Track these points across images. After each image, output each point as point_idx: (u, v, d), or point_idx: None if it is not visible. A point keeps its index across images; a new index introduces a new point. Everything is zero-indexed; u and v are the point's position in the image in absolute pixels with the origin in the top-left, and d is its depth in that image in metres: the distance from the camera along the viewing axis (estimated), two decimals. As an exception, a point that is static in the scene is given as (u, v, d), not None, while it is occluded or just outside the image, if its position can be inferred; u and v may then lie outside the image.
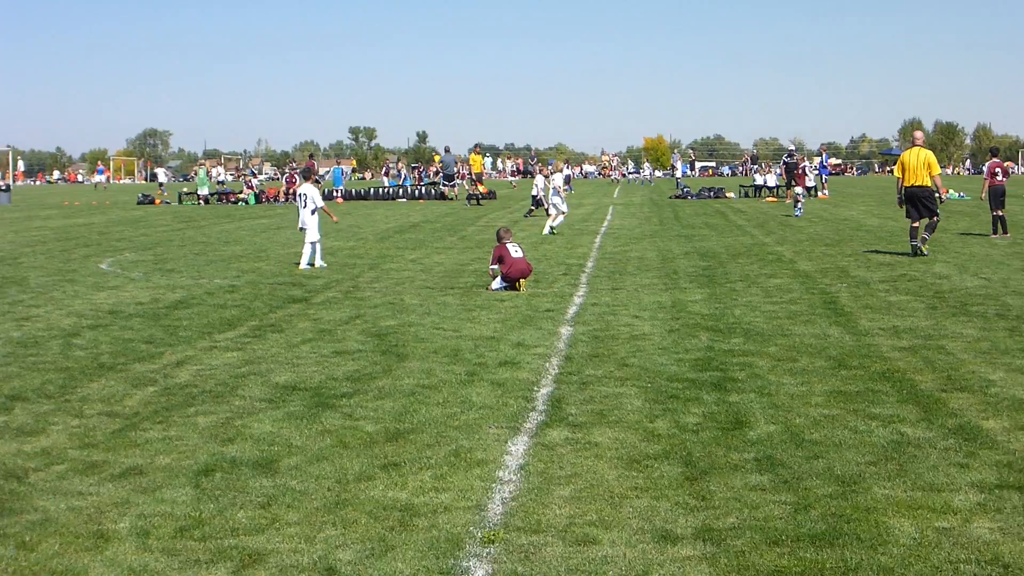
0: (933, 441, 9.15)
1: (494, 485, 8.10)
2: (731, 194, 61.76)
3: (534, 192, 42.85)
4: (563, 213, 34.57)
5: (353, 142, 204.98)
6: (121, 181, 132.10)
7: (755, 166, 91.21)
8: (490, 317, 16.11)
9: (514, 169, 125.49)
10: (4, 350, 13.90)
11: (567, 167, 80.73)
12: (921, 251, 24.65)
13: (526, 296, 18.36)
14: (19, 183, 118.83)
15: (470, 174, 57.56)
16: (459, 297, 18.45)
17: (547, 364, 12.59)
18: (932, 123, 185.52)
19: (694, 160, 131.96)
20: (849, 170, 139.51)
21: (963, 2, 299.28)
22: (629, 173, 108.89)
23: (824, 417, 9.99)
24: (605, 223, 38.28)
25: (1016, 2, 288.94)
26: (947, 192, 26.10)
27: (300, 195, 24.14)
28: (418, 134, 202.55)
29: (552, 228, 33.67)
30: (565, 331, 14.85)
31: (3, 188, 67.14)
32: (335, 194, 61.11)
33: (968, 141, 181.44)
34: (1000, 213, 30.29)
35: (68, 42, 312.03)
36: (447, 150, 63.09)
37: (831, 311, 16.32)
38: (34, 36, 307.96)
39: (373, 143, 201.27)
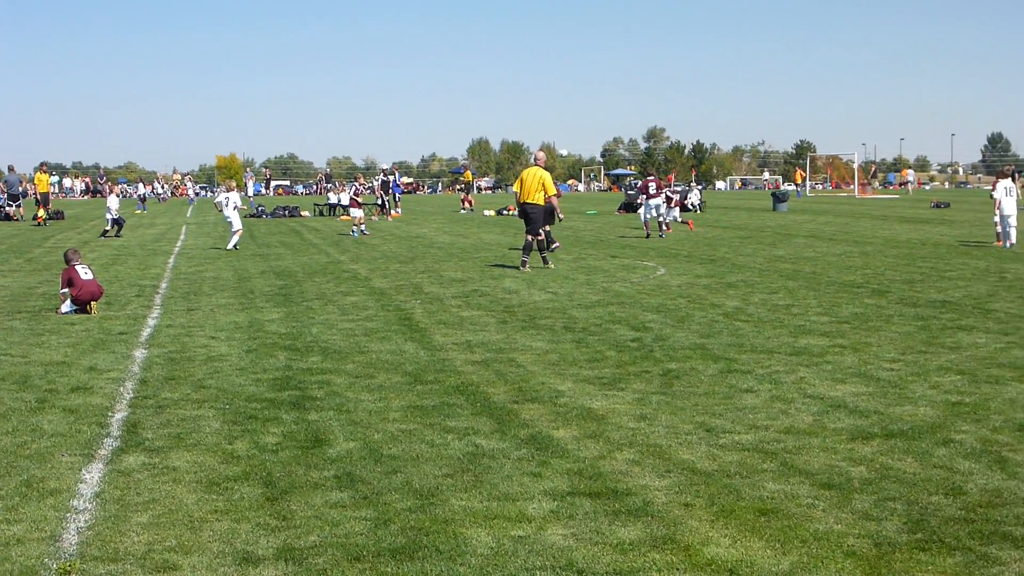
0: (507, 451, 9.47)
1: (68, 515, 7.83)
2: (306, 213, 61.89)
3: (108, 214, 41.98)
4: (238, 231, 34.79)
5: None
6: None
7: (329, 185, 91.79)
8: (60, 341, 15.55)
9: (84, 189, 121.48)
10: None
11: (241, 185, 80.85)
12: (523, 265, 25.64)
13: (98, 319, 17.83)
14: None
15: (35, 193, 55.30)
16: (27, 321, 17.70)
17: (121, 388, 12.27)
18: (499, 143, 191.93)
19: (269, 179, 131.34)
20: (421, 188, 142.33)
21: (529, 27, 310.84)
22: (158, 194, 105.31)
23: (402, 432, 10.17)
24: (179, 243, 37.62)
25: (579, 28, 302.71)
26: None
27: None
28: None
29: (236, 245, 34.10)
30: (140, 354, 14.51)
31: None
32: None
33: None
34: (548, 228, 31.95)
35: None
36: (11, 169, 60.38)
37: (406, 327, 16.63)
38: None
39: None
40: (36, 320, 17.88)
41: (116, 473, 8.91)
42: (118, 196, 47.32)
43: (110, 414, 10.99)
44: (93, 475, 8.86)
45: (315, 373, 13.08)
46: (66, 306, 18.52)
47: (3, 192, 61.40)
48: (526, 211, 26.04)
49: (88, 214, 64.23)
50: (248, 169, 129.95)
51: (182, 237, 40.96)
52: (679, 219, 42.70)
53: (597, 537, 7.27)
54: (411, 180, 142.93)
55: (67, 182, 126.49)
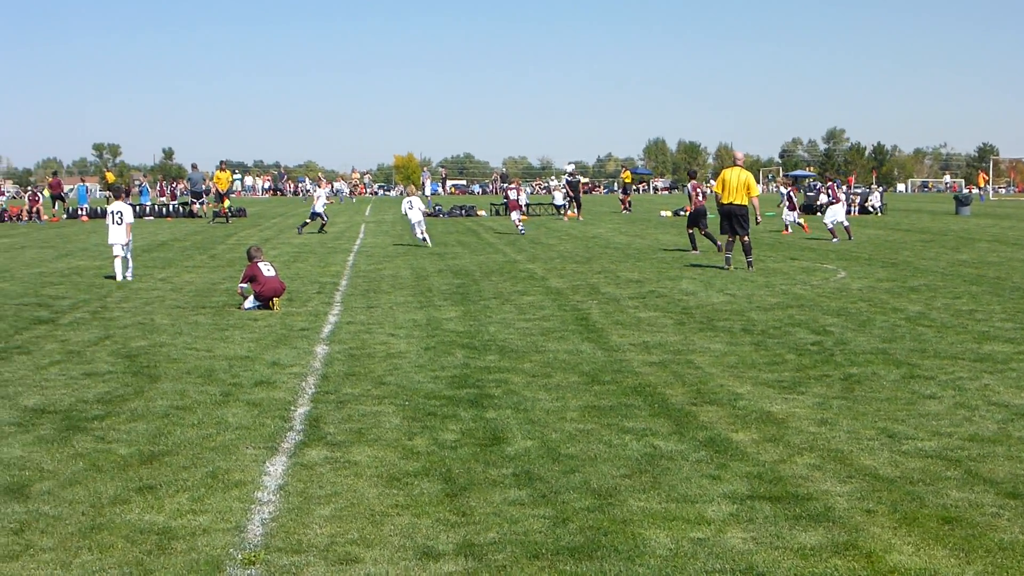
0: (685, 453, 9.41)
1: (253, 506, 8.00)
2: (482, 212, 62.33)
3: (316, 208, 43.02)
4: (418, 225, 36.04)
5: (97, 159, 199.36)
6: None
7: (505, 184, 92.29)
8: (244, 336, 15.90)
9: (267, 187, 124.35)
10: None
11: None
12: (750, 267, 25.60)
13: (280, 315, 18.19)
14: None
15: (216, 191, 56.61)
16: (211, 316, 18.15)
17: (303, 383, 12.50)
18: (676, 143, 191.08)
19: (445, 178, 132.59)
20: (598, 188, 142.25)
21: (705, 29, 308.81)
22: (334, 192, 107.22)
23: (579, 432, 10.16)
24: (358, 241, 38.17)
25: (757, 27, 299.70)
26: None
27: (113, 212, 24.71)
28: (164, 151, 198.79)
29: (424, 238, 35.58)
30: (321, 350, 14.76)
31: None
32: (80, 212, 59.59)
33: (711, 160, 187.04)
34: (692, 231, 32.75)
35: None
36: (194, 167, 61.99)
37: (583, 327, 16.62)
38: None
39: (118, 160, 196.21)
40: (220, 315, 18.32)
41: (299, 466, 9.08)
42: (325, 192, 48.52)
43: (292, 408, 11.20)
44: (276, 468, 9.03)
45: (492, 372, 13.15)
46: (249, 302, 18.91)
47: (187, 189, 63.04)
48: (732, 211, 25.91)
49: (270, 211, 65.67)
50: (425, 168, 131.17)
51: (361, 235, 41.54)
52: (798, 221, 42.24)
53: (778, 542, 7.18)
54: (587, 180, 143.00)
55: (248, 180, 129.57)
